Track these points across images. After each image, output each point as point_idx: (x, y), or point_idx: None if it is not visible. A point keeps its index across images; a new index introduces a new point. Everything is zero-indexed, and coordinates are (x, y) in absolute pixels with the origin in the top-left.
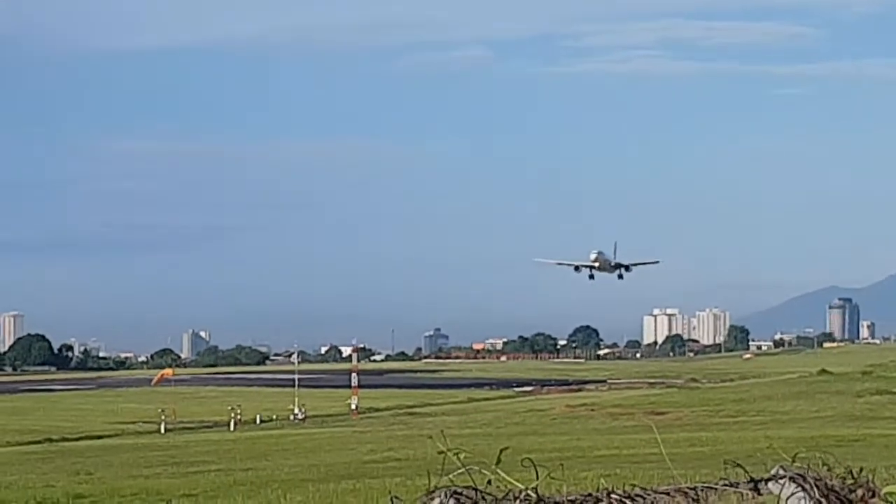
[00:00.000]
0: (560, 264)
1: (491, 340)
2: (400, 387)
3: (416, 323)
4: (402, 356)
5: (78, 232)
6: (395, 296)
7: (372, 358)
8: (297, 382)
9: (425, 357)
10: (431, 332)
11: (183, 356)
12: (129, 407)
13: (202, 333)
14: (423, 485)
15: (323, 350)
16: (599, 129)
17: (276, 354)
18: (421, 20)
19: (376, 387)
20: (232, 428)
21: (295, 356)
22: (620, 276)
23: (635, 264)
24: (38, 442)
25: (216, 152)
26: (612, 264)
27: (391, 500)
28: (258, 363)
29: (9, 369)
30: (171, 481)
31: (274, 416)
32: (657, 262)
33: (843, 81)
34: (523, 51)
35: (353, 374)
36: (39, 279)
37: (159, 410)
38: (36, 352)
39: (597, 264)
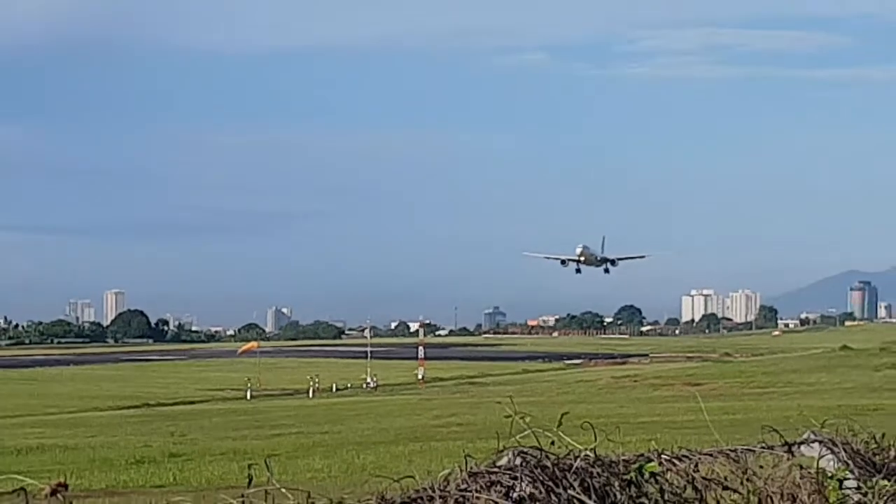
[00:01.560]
0: (548, 258)
1: (544, 317)
2: (462, 359)
3: (477, 301)
4: (464, 331)
5: (175, 217)
6: (458, 276)
7: (437, 333)
8: (369, 354)
9: (485, 332)
10: (491, 310)
11: (267, 330)
12: (218, 375)
13: (284, 310)
14: (484, 447)
15: (393, 325)
16: (646, 126)
17: (350, 329)
18: (489, 27)
19: (440, 359)
20: (311, 395)
21: (368, 331)
22: (606, 271)
23: (622, 258)
24: (137, 406)
25: (298, 144)
26: (598, 258)
27: (465, 458)
28: (335, 337)
29: (111, 341)
30: (256, 442)
31: (348, 385)
32: (643, 256)
33: (870, 85)
34: (578, 55)
35: (420, 348)
36: (139, 260)
37: (245, 379)
38: (135, 326)
39: (582, 258)
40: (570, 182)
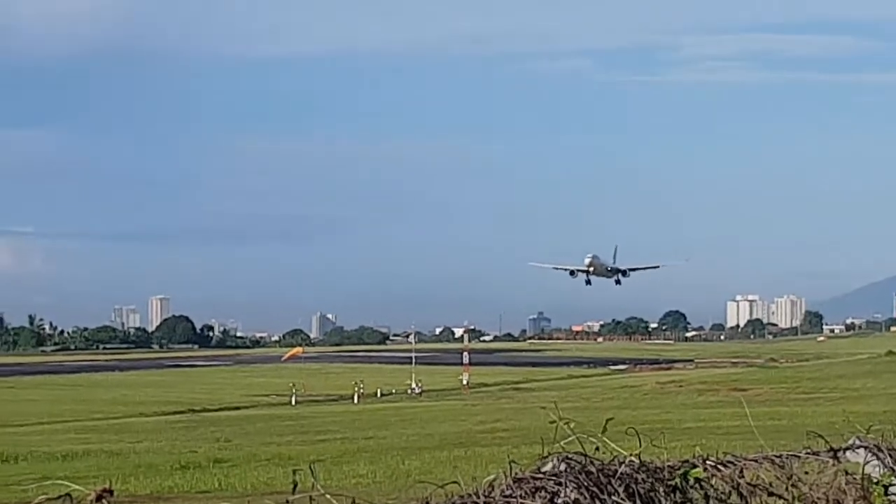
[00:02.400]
0: (556, 268)
1: (589, 323)
2: (506, 364)
3: (522, 307)
4: (509, 337)
5: (219, 223)
6: (503, 282)
7: (481, 338)
8: (414, 360)
9: (529, 338)
10: (535, 315)
11: (312, 336)
12: (262, 381)
13: (329, 315)
14: (528, 452)
15: (437, 331)
16: (687, 132)
17: (395, 335)
18: (529, 32)
19: (485, 364)
20: (355, 400)
21: (412, 336)
22: (618, 282)
23: (634, 269)
24: (182, 412)
25: (338, 152)
26: (609, 269)
27: (509, 464)
28: (379, 342)
29: (156, 347)
30: (301, 448)
31: (393, 390)
32: (657, 266)
33: None
34: (620, 61)
35: (465, 353)
36: (185, 265)
37: (290, 384)
38: (180, 331)
39: (591, 269)
40: (611, 188)
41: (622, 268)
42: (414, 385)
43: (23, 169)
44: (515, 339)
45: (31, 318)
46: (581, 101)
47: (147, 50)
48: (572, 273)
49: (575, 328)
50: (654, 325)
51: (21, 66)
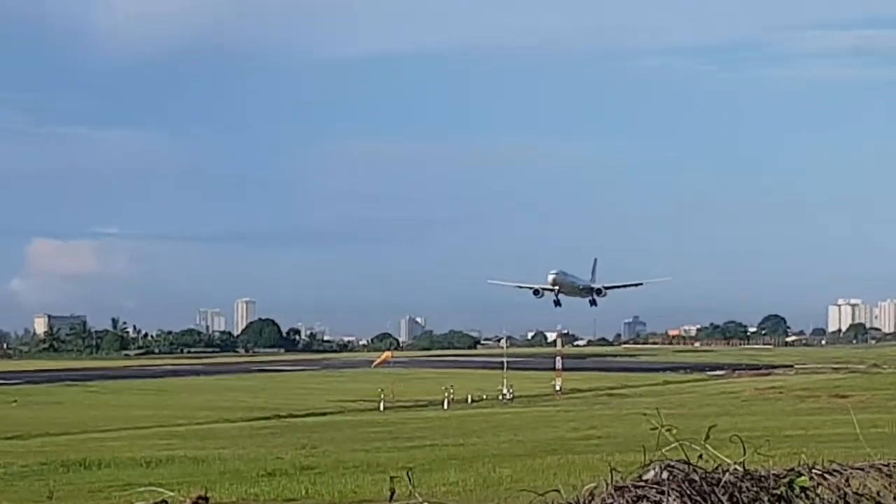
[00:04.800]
0: (520, 287)
1: (685, 327)
2: (601, 370)
3: (616, 310)
4: (603, 341)
5: (305, 224)
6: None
7: (575, 343)
8: (505, 365)
9: (624, 342)
10: (630, 319)
11: (401, 340)
12: (350, 386)
13: (418, 319)
14: (624, 460)
15: (530, 335)
16: (787, 131)
17: (486, 339)
18: (619, 28)
19: (579, 369)
20: (445, 406)
21: (504, 340)
22: (593, 303)
23: (611, 287)
24: (268, 418)
25: (431, 151)
26: (580, 287)
27: (610, 472)
28: (470, 347)
29: (241, 351)
30: (390, 455)
31: (484, 396)
32: (640, 283)
33: None
34: (711, 58)
35: (558, 358)
36: (270, 268)
37: (378, 389)
38: (266, 335)
39: (556, 287)
40: (706, 190)
41: (595, 286)
42: (505, 390)
43: (108, 169)
44: (610, 344)
45: (115, 322)
46: (693, 99)
47: (240, 49)
48: (536, 292)
49: (671, 332)
50: (752, 330)
51: (111, 66)
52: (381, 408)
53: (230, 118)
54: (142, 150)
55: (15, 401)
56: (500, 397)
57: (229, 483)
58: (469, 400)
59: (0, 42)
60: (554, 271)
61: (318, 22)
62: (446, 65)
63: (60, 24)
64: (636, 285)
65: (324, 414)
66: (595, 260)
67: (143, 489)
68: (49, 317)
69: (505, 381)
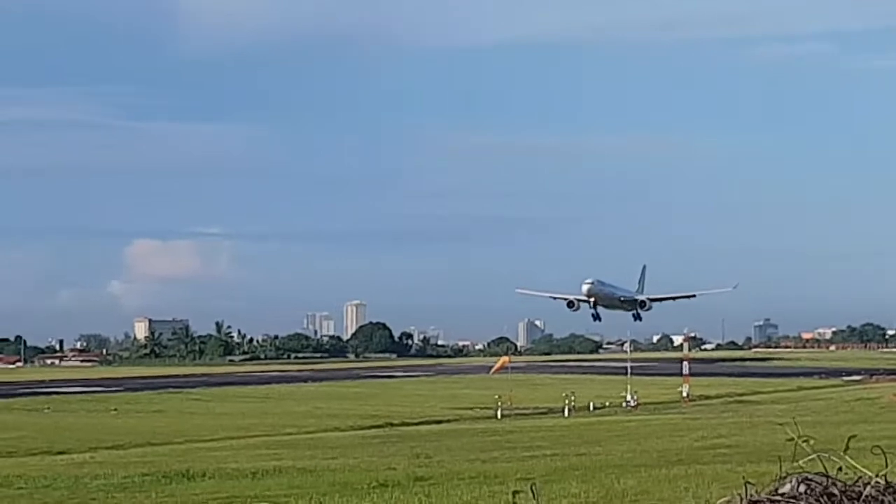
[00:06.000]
0: (554, 297)
1: (819, 330)
2: (730, 375)
3: (747, 312)
4: (732, 345)
5: (419, 224)
6: (726, 285)
7: (702, 347)
8: (629, 370)
9: (755, 346)
10: (761, 322)
11: (519, 344)
12: (466, 393)
13: (537, 322)
14: (755, 471)
15: (654, 339)
16: None
17: (608, 343)
18: (764, 13)
19: (707, 375)
20: (566, 414)
21: (627, 345)
22: (637, 317)
23: (657, 300)
24: (379, 426)
25: (545, 147)
26: (621, 299)
27: (744, 485)
28: (591, 351)
29: (351, 356)
30: (508, 465)
31: (606, 403)
32: (692, 295)
33: None
34: (870, 44)
35: (685, 363)
36: (382, 270)
37: (496, 396)
38: (377, 339)
39: (592, 299)
40: (835, 185)
41: (640, 297)
42: (629, 397)
43: (210, 165)
44: (739, 348)
45: (219, 326)
46: (822, 89)
47: (344, 42)
48: (570, 304)
49: (804, 335)
50: (891, 332)
51: (211, 57)
52: (499, 415)
53: (338, 113)
54: (244, 146)
55: (115, 409)
56: (624, 404)
57: (339, 495)
58: (591, 407)
59: (99, 38)
60: (589, 280)
61: (424, 12)
62: (551, 57)
63: (154, 18)
64: (688, 297)
65: (438, 422)
66: (644, 267)
67: (254, 502)
68: (150, 321)
69: (629, 387)
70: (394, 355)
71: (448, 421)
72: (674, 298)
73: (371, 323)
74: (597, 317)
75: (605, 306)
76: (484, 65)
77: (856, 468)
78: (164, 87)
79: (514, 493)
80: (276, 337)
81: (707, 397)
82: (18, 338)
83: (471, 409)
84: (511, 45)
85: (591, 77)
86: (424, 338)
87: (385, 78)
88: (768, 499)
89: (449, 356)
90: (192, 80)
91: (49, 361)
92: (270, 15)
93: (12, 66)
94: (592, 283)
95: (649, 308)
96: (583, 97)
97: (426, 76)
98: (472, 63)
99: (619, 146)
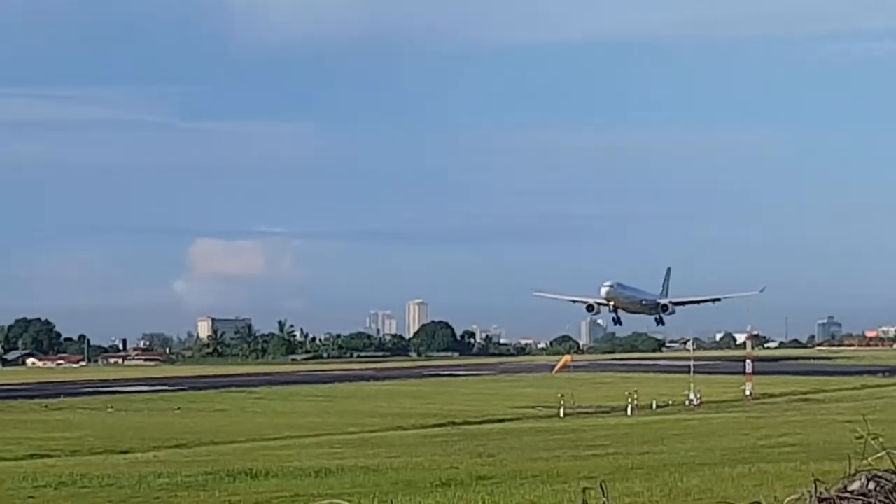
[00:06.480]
0: (574, 301)
1: (884, 328)
2: (793, 373)
3: (810, 311)
4: (796, 343)
5: (480, 223)
6: (789, 284)
7: (766, 345)
8: (692, 368)
9: (818, 344)
10: (825, 320)
11: (581, 343)
12: (528, 392)
13: (599, 321)
14: (819, 469)
15: (717, 337)
16: None
17: (671, 341)
18: (831, 10)
19: (770, 373)
20: (629, 412)
21: (690, 343)
22: (659, 321)
23: (680, 303)
24: (442, 425)
25: (614, 144)
26: (642, 302)
27: (814, 483)
28: (654, 350)
29: (413, 355)
30: (571, 464)
31: (669, 402)
32: (718, 299)
33: None
34: None
35: (748, 361)
36: (443, 268)
37: (558, 395)
38: (439, 338)
39: (611, 303)
40: None
41: (662, 301)
42: (692, 395)
43: (272, 165)
44: (803, 346)
45: (281, 325)
46: (891, 87)
47: (401, 40)
48: (590, 308)
49: (868, 333)
50: None
51: (270, 58)
52: (562, 414)
53: (400, 112)
54: (305, 145)
55: (178, 408)
56: (687, 403)
57: (402, 493)
58: (654, 406)
59: (165, 38)
60: (608, 283)
61: (489, 8)
62: (624, 54)
63: (214, 16)
64: (713, 301)
65: (501, 421)
66: (668, 269)
67: (324, 501)
68: (213, 320)
69: (692, 385)
70: (456, 354)
71: (510, 420)
72: (698, 302)
73: (433, 322)
74: (617, 320)
75: (626, 310)
76: (544, 62)
77: None
78: (226, 88)
79: (584, 489)
80: (339, 336)
81: (770, 395)
82: (82, 337)
83: (533, 407)
84: (572, 43)
85: (658, 74)
86: (486, 336)
87: (449, 77)
88: (837, 496)
89: (511, 355)
90: (253, 79)
91: (112, 361)
92: (331, 18)
93: (81, 67)
94: (611, 286)
95: (672, 312)
96: (650, 94)
97: (491, 74)
98: (531, 61)
99: (691, 143)
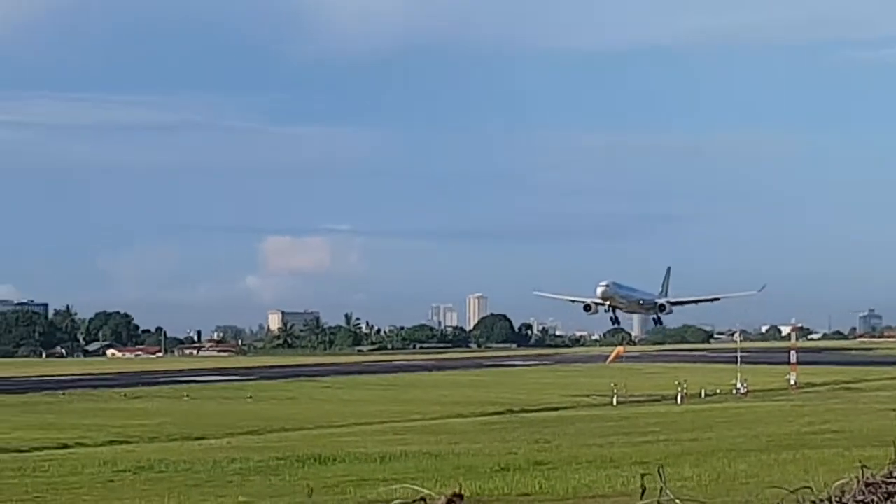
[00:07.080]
0: (573, 301)
1: None
2: (836, 364)
3: (852, 303)
4: (838, 335)
5: (538, 220)
6: (832, 278)
7: (809, 336)
8: (739, 359)
9: (859, 336)
10: (866, 313)
11: (633, 334)
12: (583, 381)
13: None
14: (861, 455)
15: (763, 329)
16: None
17: (719, 333)
18: (850, 17)
19: (813, 363)
20: (679, 401)
21: (737, 335)
22: (657, 321)
23: (678, 303)
24: (500, 413)
25: (668, 144)
26: (639, 302)
27: (860, 468)
28: (703, 341)
29: (474, 346)
30: (623, 450)
31: (717, 390)
32: (717, 299)
33: None
34: None
35: (792, 352)
36: (502, 263)
37: (611, 384)
38: (498, 330)
39: (607, 302)
40: None
41: (660, 301)
42: (739, 385)
43: (340, 166)
44: (845, 338)
45: (348, 318)
46: None
47: (465, 44)
48: (587, 307)
49: None
50: None
51: (338, 64)
52: (614, 402)
53: (459, 114)
54: (371, 147)
55: (250, 397)
56: (734, 391)
57: (463, 478)
58: (702, 394)
59: (240, 47)
60: (604, 283)
61: (544, 14)
62: (666, 59)
63: (293, 24)
64: (712, 300)
65: (556, 409)
66: (668, 269)
67: (398, 486)
68: (283, 313)
69: (739, 375)
70: (514, 345)
71: (566, 408)
72: (696, 302)
73: (492, 314)
74: (615, 320)
75: (623, 309)
76: (602, 67)
77: None
78: (299, 92)
79: (643, 475)
80: (402, 328)
81: (813, 385)
82: (159, 329)
83: (587, 396)
84: (629, 50)
85: (713, 77)
86: (543, 328)
87: (510, 80)
88: (883, 481)
89: (566, 346)
90: (324, 85)
91: (188, 352)
92: (395, 23)
93: (167, 74)
94: (607, 286)
95: (669, 311)
96: (699, 97)
97: (551, 77)
98: (591, 65)
99: (738, 143)
